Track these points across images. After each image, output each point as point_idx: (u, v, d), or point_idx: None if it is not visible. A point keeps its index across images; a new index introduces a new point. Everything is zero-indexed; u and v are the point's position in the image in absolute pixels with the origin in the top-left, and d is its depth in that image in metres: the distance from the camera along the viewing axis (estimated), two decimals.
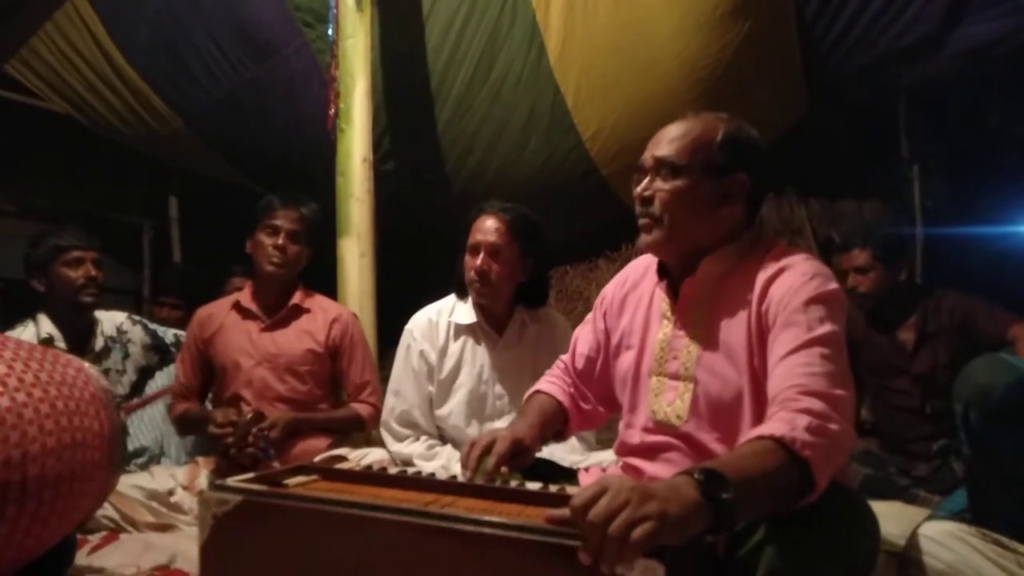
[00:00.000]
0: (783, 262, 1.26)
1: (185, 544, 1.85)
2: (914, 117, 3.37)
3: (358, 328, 2.47)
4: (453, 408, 2.08)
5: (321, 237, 2.41)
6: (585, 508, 0.84)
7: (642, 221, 1.34)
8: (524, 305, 2.15)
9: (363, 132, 2.86)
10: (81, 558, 1.71)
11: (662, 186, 1.30)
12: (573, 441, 1.98)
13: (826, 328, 1.16)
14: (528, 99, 3.32)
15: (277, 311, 2.37)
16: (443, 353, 2.10)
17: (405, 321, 2.22)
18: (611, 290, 1.55)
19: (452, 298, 2.18)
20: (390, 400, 2.15)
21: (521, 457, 1.32)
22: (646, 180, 1.34)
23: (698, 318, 1.32)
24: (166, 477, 2.17)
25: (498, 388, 2.10)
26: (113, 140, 4.19)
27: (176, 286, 3.43)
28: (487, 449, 1.29)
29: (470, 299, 2.12)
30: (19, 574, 1.38)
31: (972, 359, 1.64)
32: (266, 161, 4.04)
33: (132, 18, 3.50)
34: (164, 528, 2.04)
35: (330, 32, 2.98)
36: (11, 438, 1.24)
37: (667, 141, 1.32)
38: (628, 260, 3.79)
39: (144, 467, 2.41)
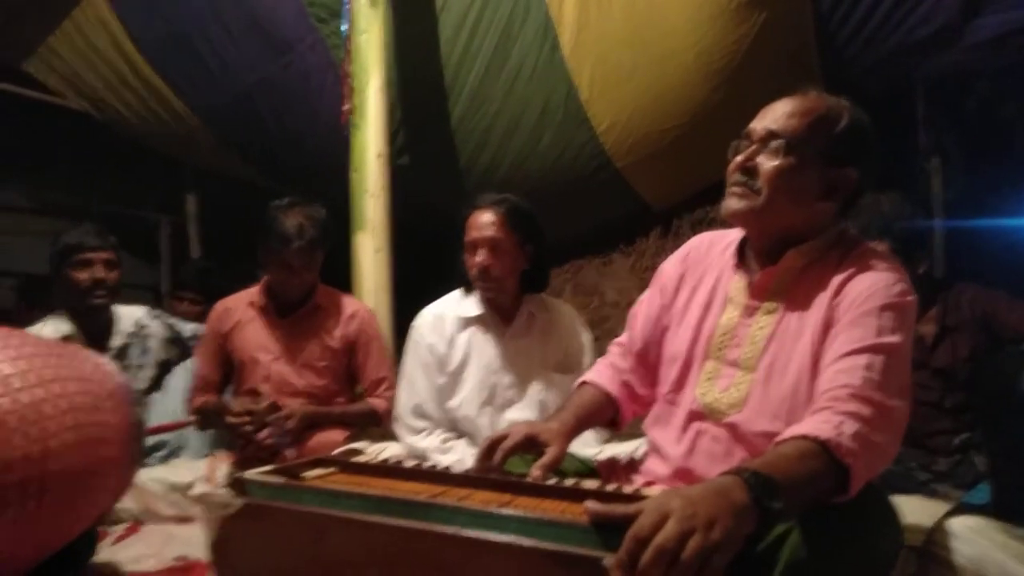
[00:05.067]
0: (866, 262, 1.21)
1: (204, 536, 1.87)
2: (932, 108, 3.32)
3: (374, 324, 2.48)
4: (463, 399, 2.09)
5: (333, 234, 2.40)
6: (648, 537, 0.79)
7: (735, 188, 1.25)
8: (529, 291, 2.15)
9: (377, 127, 2.86)
10: (104, 549, 1.73)
11: (769, 161, 1.22)
12: (587, 434, 1.97)
13: (896, 338, 1.12)
14: (542, 93, 3.31)
15: (294, 307, 2.38)
16: (451, 344, 2.11)
17: None
18: (669, 266, 1.48)
19: (459, 292, 2.19)
20: (403, 395, 2.15)
21: (546, 457, 1.26)
22: (751, 150, 1.24)
23: (770, 308, 1.27)
24: (186, 470, 2.19)
25: (507, 378, 2.09)
26: (131, 137, 4.22)
27: (195, 282, 3.46)
28: (496, 443, 1.27)
29: (476, 293, 2.13)
30: (42, 568, 1.40)
31: (993, 353, 1.62)
32: (281, 158, 4.06)
33: (149, 16, 3.52)
34: (184, 520, 2.05)
35: (344, 27, 2.99)
36: (31, 434, 1.25)
37: (786, 115, 1.23)
38: (644, 254, 3.82)
39: (164, 460, 2.43)
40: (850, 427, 1.00)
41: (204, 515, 1.11)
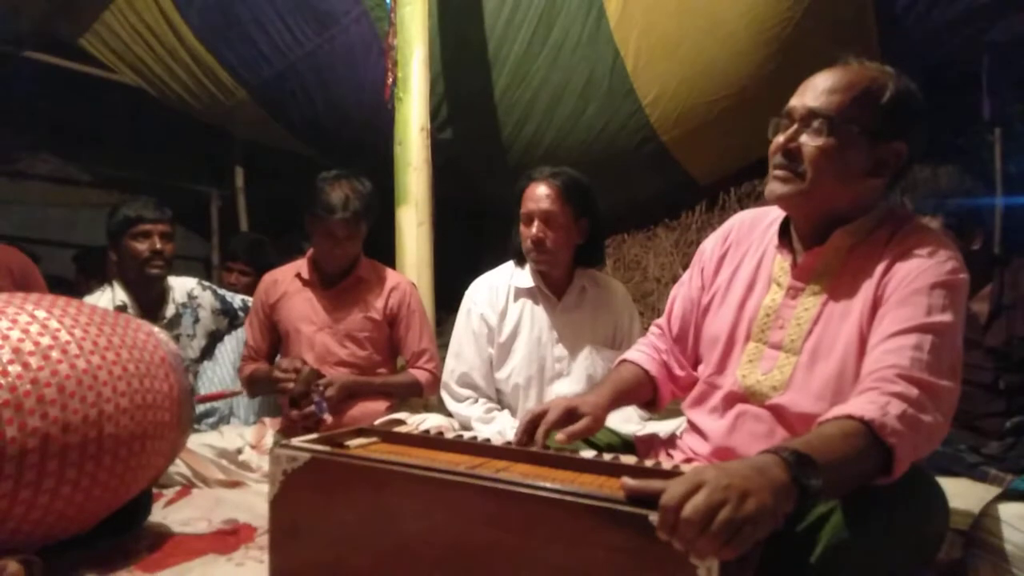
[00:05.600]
0: (915, 240, 1.17)
1: (252, 500, 1.94)
2: (997, 77, 3.17)
3: (416, 297, 2.51)
4: (512, 369, 2.11)
5: (377, 208, 2.42)
6: (679, 505, 0.80)
7: (778, 172, 1.21)
8: (583, 265, 2.15)
9: (421, 101, 2.86)
10: (156, 511, 1.80)
11: (811, 141, 1.17)
12: (629, 410, 1.97)
13: (946, 317, 1.08)
14: (586, 64, 3.27)
15: (338, 279, 2.41)
16: (503, 316, 2.13)
17: (462, 289, 2.24)
18: (710, 245, 1.45)
19: (511, 263, 2.20)
20: (451, 362, 2.18)
21: (578, 424, 1.27)
22: (792, 130, 1.20)
23: (815, 290, 1.24)
24: (235, 436, 2.25)
25: (557, 350, 2.11)
26: (181, 111, 4.31)
27: (245, 253, 3.55)
28: (538, 418, 1.28)
29: (528, 265, 2.13)
30: (101, 525, 1.46)
31: None
32: (326, 131, 4.10)
33: None
34: (233, 484, 2.12)
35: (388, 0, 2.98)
36: (88, 398, 1.31)
37: (826, 91, 1.17)
38: (688, 228, 3.77)
39: (214, 427, 2.51)
40: (896, 408, 0.98)
41: (270, 468, 1.14)
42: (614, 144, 3.46)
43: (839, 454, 0.92)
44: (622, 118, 3.37)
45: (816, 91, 1.19)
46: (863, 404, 0.99)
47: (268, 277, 2.49)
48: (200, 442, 2.19)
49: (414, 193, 2.82)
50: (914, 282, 1.11)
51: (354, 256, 2.40)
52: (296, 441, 1.21)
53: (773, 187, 1.22)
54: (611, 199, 3.65)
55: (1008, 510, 1.14)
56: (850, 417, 0.98)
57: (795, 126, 1.20)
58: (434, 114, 3.10)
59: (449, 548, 1.02)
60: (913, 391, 1.01)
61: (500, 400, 2.19)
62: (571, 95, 3.38)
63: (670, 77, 3.17)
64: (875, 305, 1.15)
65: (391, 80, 2.89)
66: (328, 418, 2.14)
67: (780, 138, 1.21)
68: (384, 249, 2.76)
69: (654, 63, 3.16)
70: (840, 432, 0.96)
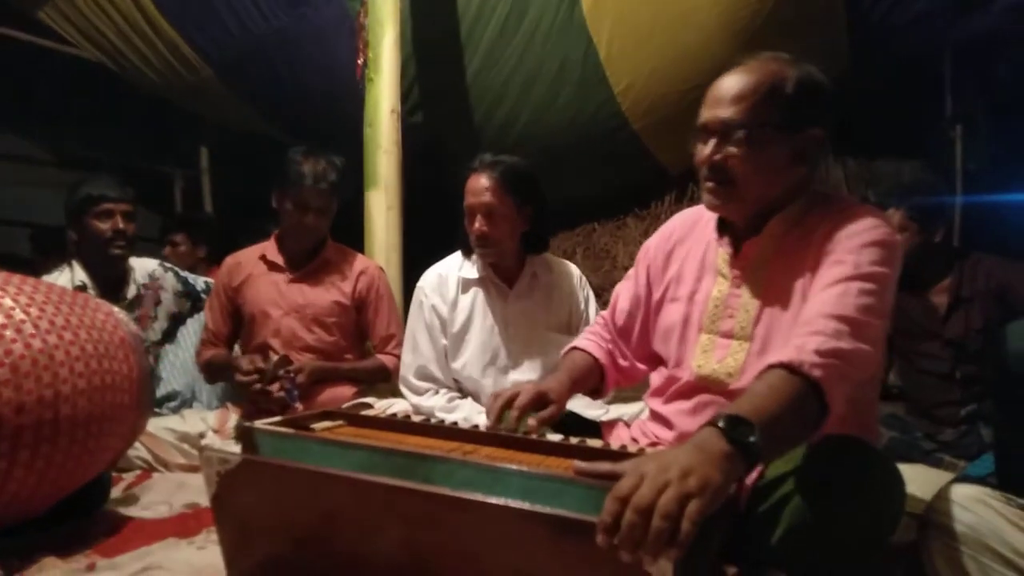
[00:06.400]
0: (847, 214, 1.21)
1: None
2: (960, 75, 3.24)
3: (384, 281, 2.49)
4: (467, 360, 2.09)
5: (348, 186, 2.40)
6: (627, 496, 0.81)
7: (710, 185, 1.26)
8: (531, 252, 2.14)
9: (392, 82, 2.83)
10: (116, 495, 1.76)
11: (733, 151, 1.21)
12: None
13: (875, 269, 1.12)
14: (559, 50, 3.26)
15: (305, 262, 2.38)
16: (454, 306, 2.11)
17: None
18: (655, 243, 1.50)
19: (460, 253, 2.18)
20: (407, 356, 2.16)
21: (546, 411, 1.31)
22: (713, 143, 1.23)
23: (758, 277, 1.28)
24: (197, 420, 2.22)
25: (510, 340, 2.09)
26: (146, 90, 4.21)
27: (181, 227, 3.69)
28: (510, 401, 1.29)
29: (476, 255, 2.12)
30: (56, 509, 1.44)
31: (1006, 325, 1.59)
32: (294, 111, 4.04)
33: None
34: (195, 469, 2.09)
35: None
36: (43, 378, 1.28)
37: (735, 99, 1.21)
38: (658, 218, 3.79)
39: (176, 411, 2.47)
40: (813, 343, 1.01)
41: (203, 469, 1.12)
42: (587, 132, 3.47)
43: (771, 404, 0.94)
44: (594, 106, 3.38)
45: (725, 101, 1.22)
46: (783, 351, 1.01)
47: (231, 260, 2.44)
48: (162, 426, 2.15)
49: (384, 176, 2.79)
50: (846, 244, 1.15)
51: (323, 233, 2.37)
52: (260, 423, 1.20)
53: (707, 199, 1.28)
54: (584, 187, 3.68)
55: (959, 492, 1.17)
56: (771, 366, 1.00)
57: (714, 139, 1.23)
58: (405, 96, 3.07)
59: (390, 552, 1.00)
60: (831, 324, 1.04)
61: (459, 390, 2.17)
62: (544, 81, 3.37)
63: (642, 65, 3.18)
64: (814, 275, 1.18)
65: (362, 60, 2.86)
66: (299, 406, 2.12)
67: (705, 151, 1.25)
68: (353, 233, 2.73)
69: (627, 51, 3.16)
70: (766, 385, 0.98)
